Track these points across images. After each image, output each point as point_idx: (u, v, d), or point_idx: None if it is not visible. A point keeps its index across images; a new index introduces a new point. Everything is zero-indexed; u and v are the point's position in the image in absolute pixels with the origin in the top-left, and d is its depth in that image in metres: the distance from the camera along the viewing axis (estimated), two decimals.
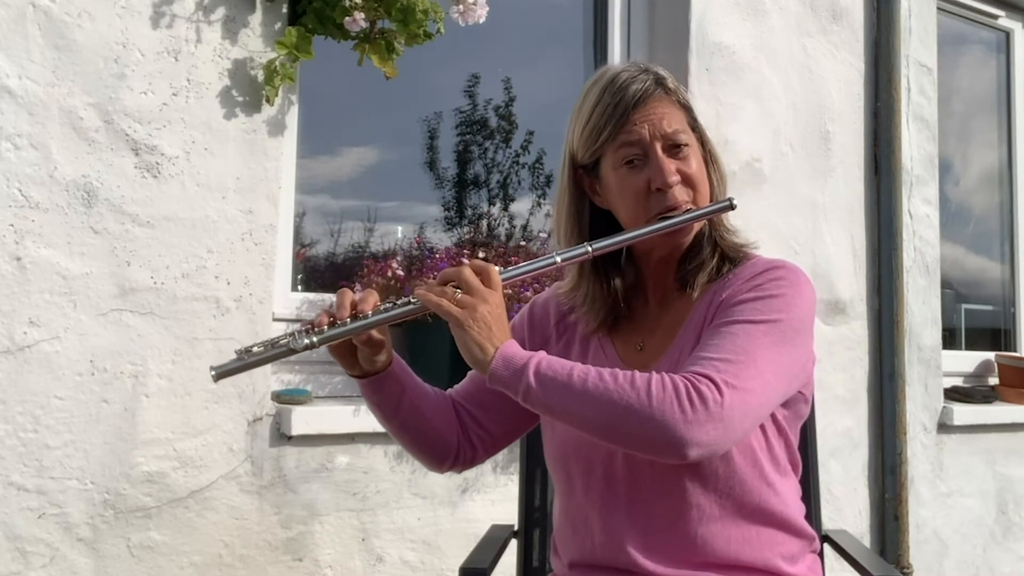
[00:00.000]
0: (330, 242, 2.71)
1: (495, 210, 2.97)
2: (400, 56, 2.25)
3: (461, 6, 2.24)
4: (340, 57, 2.27)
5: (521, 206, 3.00)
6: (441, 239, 2.83)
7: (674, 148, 1.36)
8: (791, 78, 3.10)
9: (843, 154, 3.22)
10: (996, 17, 3.96)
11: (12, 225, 1.92)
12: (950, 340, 3.76)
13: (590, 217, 1.43)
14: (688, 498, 1.33)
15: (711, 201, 1.40)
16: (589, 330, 1.46)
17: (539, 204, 3.02)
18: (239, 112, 2.17)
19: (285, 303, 2.38)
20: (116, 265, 2.02)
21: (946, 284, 3.62)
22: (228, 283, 2.14)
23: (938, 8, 3.57)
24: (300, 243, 2.56)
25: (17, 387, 1.92)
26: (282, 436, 2.19)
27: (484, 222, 2.93)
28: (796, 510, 1.42)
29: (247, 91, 2.18)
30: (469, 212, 2.92)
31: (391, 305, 1.29)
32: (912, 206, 3.35)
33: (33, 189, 1.94)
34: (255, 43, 2.19)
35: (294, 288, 2.47)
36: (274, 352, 1.28)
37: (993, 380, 3.77)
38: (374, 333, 1.32)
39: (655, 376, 1.20)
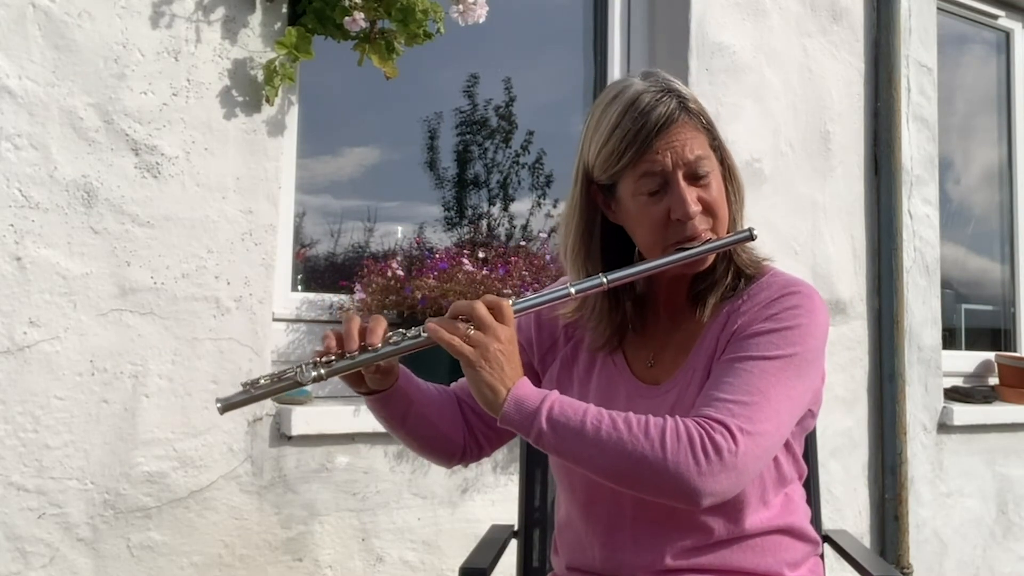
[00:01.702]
0: (330, 242, 2.71)
1: (495, 210, 2.97)
2: (400, 56, 2.25)
3: (461, 6, 2.24)
4: (340, 57, 2.27)
5: (521, 206, 3.00)
6: (441, 239, 2.83)
7: (696, 177, 1.32)
8: (791, 78, 3.10)
9: (843, 154, 3.22)
10: (996, 17, 3.96)
11: (12, 225, 1.92)
12: (950, 340, 3.76)
13: (601, 230, 1.40)
14: (697, 522, 1.33)
15: (730, 226, 1.37)
16: (595, 347, 1.44)
17: (539, 204, 3.02)
18: (239, 112, 2.17)
19: (285, 303, 2.38)
20: (116, 265, 2.02)
21: (946, 284, 3.62)
22: (228, 283, 2.14)
23: (938, 8, 3.57)
24: (300, 243, 2.56)
25: (17, 387, 1.92)
26: (282, 436, 2.19)
27: (484, 222, 2.93)
28: (801, 515, 1.42)
29: (247, 91, 2.18)
30: (469, 212, 2.92)
31: (400, 337, 1.26)
32: (912, 206, 3.35)
33: (33, 189, 1.94)
34: (255, 43, 2.19)
35: (294, 288, 2.47)
36: (280, 384, 1.26)
37: (993, 380, 3.76)
38: (382, 362, 1.29)
39: (669, 424, 1.19)
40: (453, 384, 1.51)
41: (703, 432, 1.18)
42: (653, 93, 1.31)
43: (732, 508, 1.31)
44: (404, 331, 1.27)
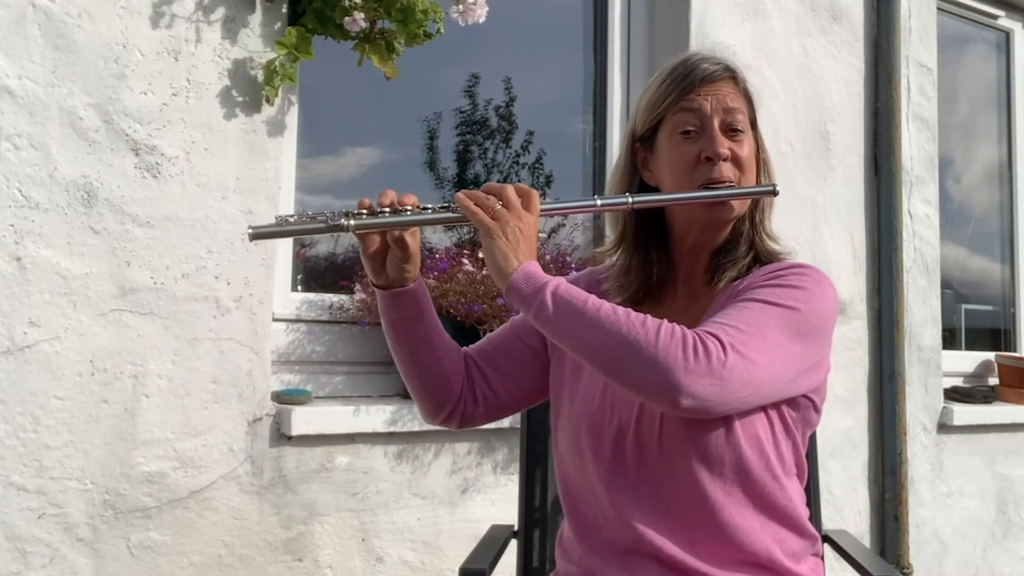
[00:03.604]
0: (330, 242, 2.71)
1: None
2: (400, 56, 2.25)
3: (461, 6, 2.24)
4: (340, 57, 2.27)
5: None
6: (441, 239, 2.83)
7: (731, 130, 1.38)
8: (791, 78, 3.10)
9: (843, 154, 3.22)
10: (996, 17, 3.96)
11: (12, 225, 1.92)
12: (950, 340, 3.76)
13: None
14: (695, 482, 1.33)
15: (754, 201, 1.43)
16: (619, 299, 1.45)
17: None
18: (239, 112, 2.17)
19: (285, 303, 2.38)
20: (116, 265, 2.02)
21: (946, 284, 3.62)
22: (228, 283, 2.14)
23: (938, 8, 3.57)
24: (300, 243, 2.56)
25: (17, 387, 1.92)
26: (282, 436, 2.19)
27: None
28: (800, 509, 1.42)
29: (247, 91, 2.18)
30: None
31: (430, 207, 1.32)
32: (912, 206, 3.35)
33: (33, 189, 1.94)
34: (255, 43, 2.19)
35: (294, 288, 2.47)
36: (312, 226, 1.30)
37: (993, 380, 3.77)
38: (407, 237, 1.34)
39: (666, 323, 1.22)
40: (466, 347, 1.52)
41: (696, 336, 1.20)
42: (704, 55, 1.42)
43: (731, 470, 1.32)
44: (433, 205, 1.33)
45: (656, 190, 1.43)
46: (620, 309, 1.23)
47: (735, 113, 1.38)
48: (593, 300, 1.24)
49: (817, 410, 1.41)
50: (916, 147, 3.39)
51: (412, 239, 1.36)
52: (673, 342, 1.19)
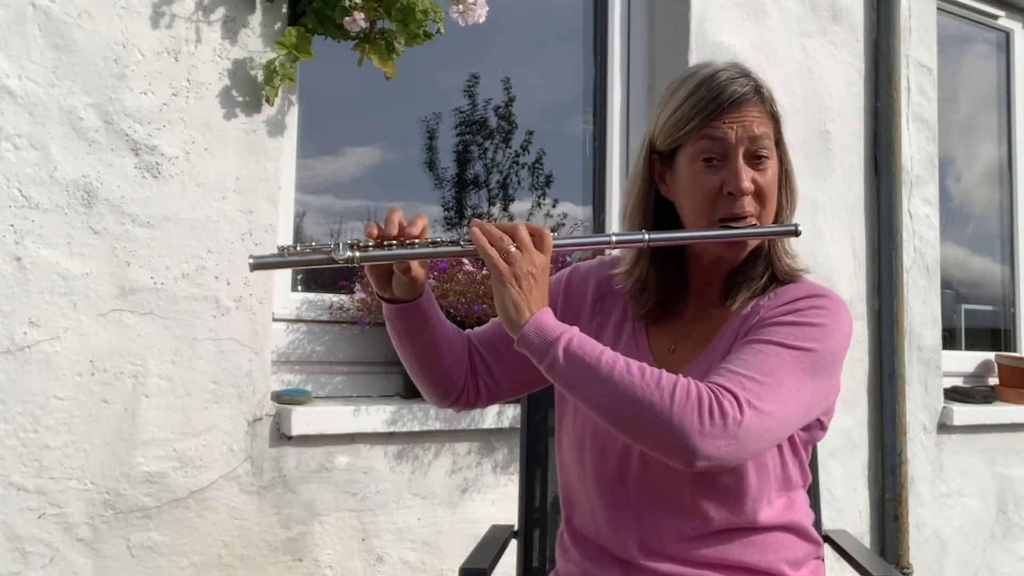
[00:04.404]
0: (330, 242, 2.70)
1: (495, 210, 2.97)
2: (400, 56, 2.25)
3: (461, 6, 2.24)
4: (340, 57, 2.27)
5: (521, 206, 3.00)
6: (441, 239, 2.82)
7: (755, 158, 1.34)
8: (791, 78, 3.10)
9: (843, 154, 3.22)
10: (996, 17, 3.96)
11: (12, 225, 1.92)
12: (950, 340, 3.76)
13: (654, 206, 1.43)
14: (698, 509, 1.33)
15: (776, 220, 1.40)
16: (636, 315, 1.44)
17: (539, 204, 3.02)
18: (239, 112, 2.17)
19: (285, 303, 2.38)
20: (116, 265, 2.02)
21: (946, 284, 3.62)
22: (228, 283, 2.14)
23: (938, 8, 3.56)
24: (300, 243, 2.55)
25: (17, 387, 1.92)
26: (282, 436, 2.19)
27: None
28: (805, 516, 1.43)
29: (247, 91, 2.18)
30: (469, 212, 2.91)
31: (440, 240, 1.29)
32: (912, 206, 3.35)
33: (33, 189, 1.94)
34: (255, 43, 2.19)
35: (294, 288, 2.47)
36: (314, 256, 1.27)
37: (993, 380, 3.76)
38: (415, 265, 1.32)
39: (681, 380, 1.20)
40: (469, 331, 1.52)
41: (712, 396, 1.18)
42: (732, 72, 1.35)
43: (734, 498, 1.32)
44: (444, 237, 1.29)
45: (672, 206, 1.41)
46: (634, 365, 1.21)
47: (761, 140, 1.34)
48: (607, 356, 1.22)
49: (824, 428, 1.42)
50: (916, 147, 3.39)
51: (419, 265, 1.33)
52: (689, 404, 1.17)
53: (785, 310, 1.32)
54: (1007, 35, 4.06)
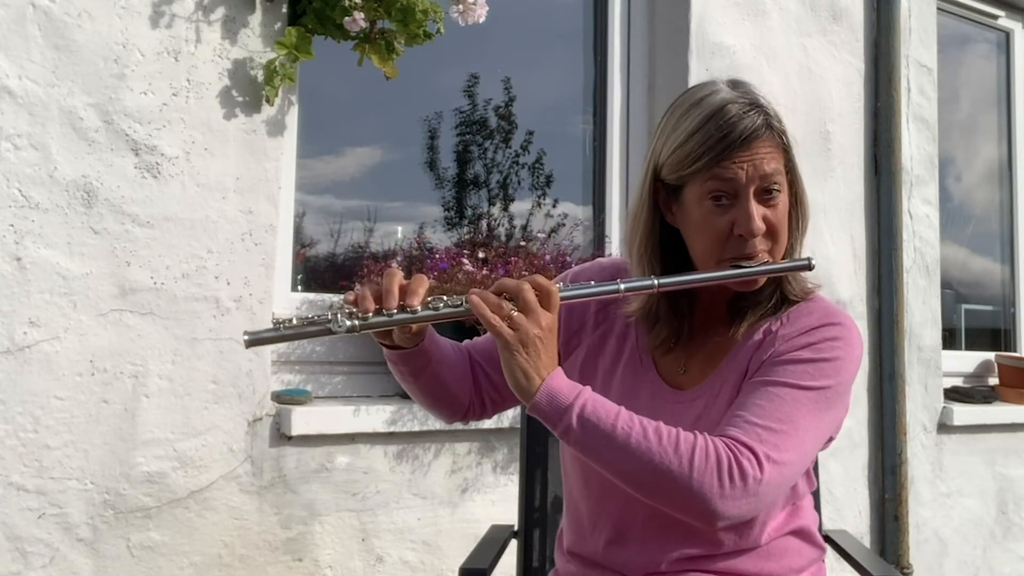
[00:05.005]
0: (330, 242, 2.71)
1: (495, 210, 2.96)
2: (400, 56, 2.25)
3: (461, 6, 2.24)
4: (340, 57, 2.27)
5: (521, 206, 3.00)
6: (441, 239, 2.83)
7: (766, 193, 1.30)
8: (791, 78, 3.10)
9: (843, 154, 3.22)
10: (996, 17, 3.96)
11: (12, 225, 1.92)
12: (950, 340, 3.76)
13: (660, 230, 1.38)
14: (708, 535, 1.33)
15: (787, 252, 1.37)
16: (651, 347, 1.41)
17: (539, 204, 3.01)
18: (239, 112, 2.17)
19: (285, 303, 2.38)
20: (116, 265, 2.02)
21: (946, 284, 3.62)
22: (228, 283, 2.14)
23: (938, 8, 3.57)
24: (300, 243, 2.56)
25: (17, 387, 1.92)
26: (282, 436, 2.19)
27: (484, 222, 2.93)
28: (810, 520, 1.43)
29: (247, 91, 2.17)
30: (469, 212, 2.91)
31: (440, 304, 1.24)
32: (912, 206, 3.35)
33: (33, 189, 1.94)
34: (255, 43, 2.19)
35: (294, 288, 2.47)
36: (311, 329, 1.23)
37: (993, 380, 3.76)
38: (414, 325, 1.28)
39: (699, 442, 1.19)
40: (466, 342, 1.51)
41: (731, 456, 1.17)
42: (741, 105, 1.29)
43: (743, 523, 1.31)
44: (445, 298, 1.25)
45: (677, 232, 1.37)
46: (650, 429, 1.19)
47: (772, 176, 1.29)
48: (623, 420, 1.19)
49: (832, 439, 1.41)
50: (916, 147, 3.39)
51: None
52: (708, 468, 1.16)
53: (800, 343, 1.30)
54: (1007, 35, 4.06)
